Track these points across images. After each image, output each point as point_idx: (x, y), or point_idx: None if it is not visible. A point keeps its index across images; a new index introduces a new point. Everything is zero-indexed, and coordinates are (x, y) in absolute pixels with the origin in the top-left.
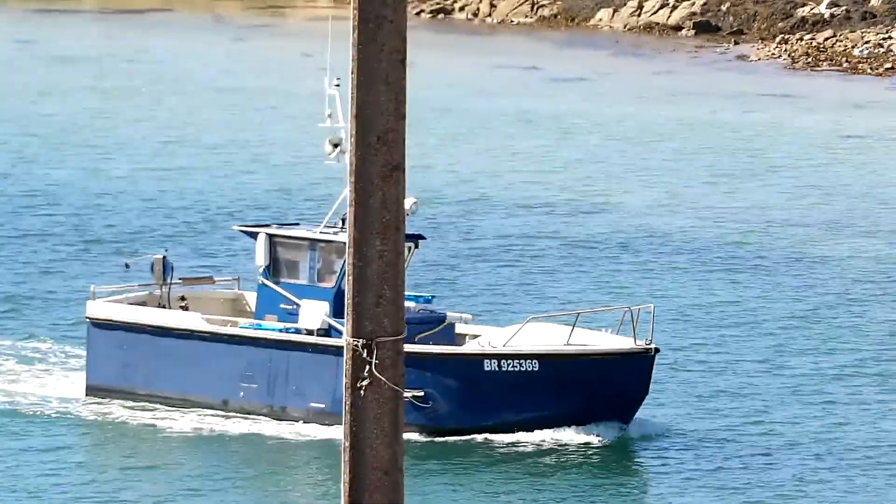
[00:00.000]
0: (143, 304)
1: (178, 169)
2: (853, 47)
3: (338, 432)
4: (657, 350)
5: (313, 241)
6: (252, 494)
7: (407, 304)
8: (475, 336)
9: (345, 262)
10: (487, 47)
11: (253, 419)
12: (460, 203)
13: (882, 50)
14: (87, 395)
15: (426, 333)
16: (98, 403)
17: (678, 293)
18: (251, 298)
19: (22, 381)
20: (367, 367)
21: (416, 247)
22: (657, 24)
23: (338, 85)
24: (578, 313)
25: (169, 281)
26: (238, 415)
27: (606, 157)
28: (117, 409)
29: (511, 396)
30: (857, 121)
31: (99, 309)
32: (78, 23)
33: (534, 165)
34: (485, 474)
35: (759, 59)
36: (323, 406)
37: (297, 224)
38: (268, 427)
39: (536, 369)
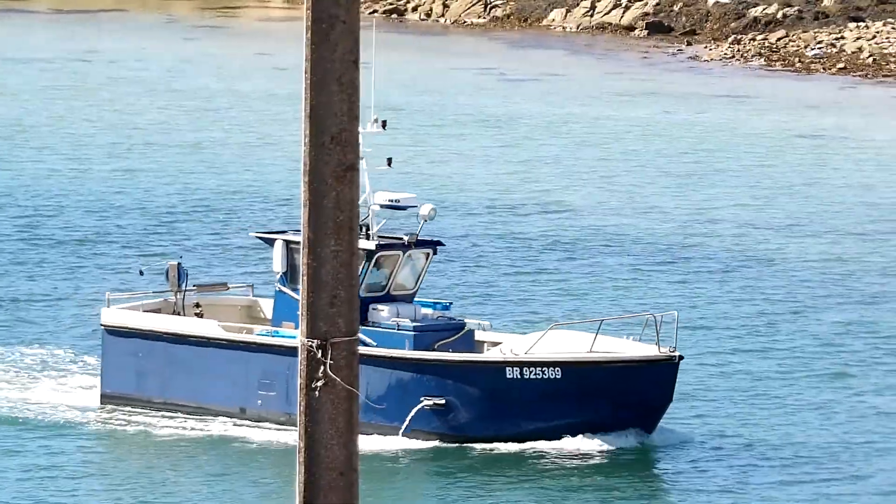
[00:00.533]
0: (157, 311)
1: (189, 173)
2: (806, 47)
3: (358, 441)
4: (681, 357)
5: None
6: (271, 503)
7: (425, 310)
8: (495, 343)
9: (365, 269)
10: (441, 48)
11: (271, 427)
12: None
13: (835, 50)
14: (101, 403)
15: (446, 341)
16: (113, 412)
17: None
18: (265, 305)
19: (36, 389)
20: (322, 367)
21: (435, 253)
22: (610, 24)
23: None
24: (602, 320)
25: (184, 288)
26: (256, 423)
27: (561, 158)
28: (132, 418)
29: (533, 404)
30: (811, 121)
31: (114, 316)
32: (30, 23)
33: (489, 167)
34: (506, 483)
35: (712, 60)
36: None
37: None
38: (286, 436)
39: (559, 377)
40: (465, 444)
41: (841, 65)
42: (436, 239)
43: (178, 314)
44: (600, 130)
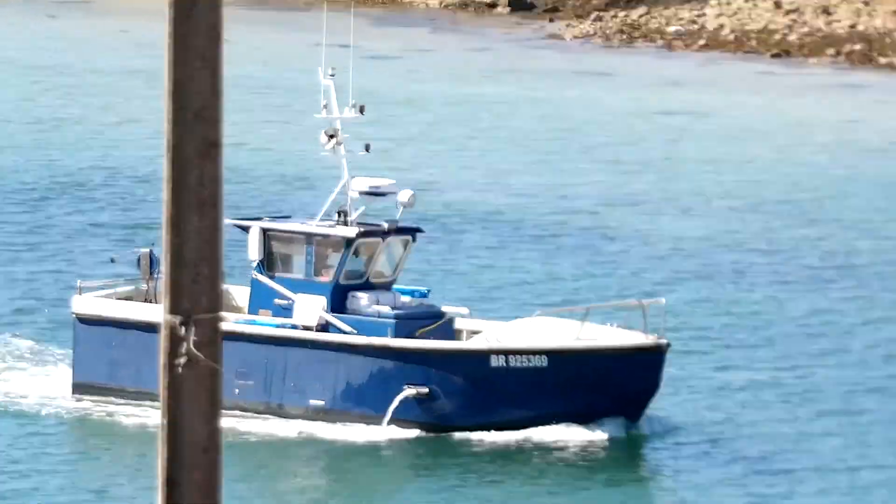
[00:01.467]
0: (128, 298)
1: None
2: (667, 24)
3: (341, 431)
4: (669, 345)
5: (310, 235)
6: (250, 496)
7: (403, 298)
8: (476, 331)
9: (344, 256)
10: (303, 24)
11: (248, 417)
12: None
13: (696, 27)
14: (73, 393)
15: (426, 329)
16: (84, 402)
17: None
18: (236, 293)
19: (4, 380)
20: (185, 344)
21: (414, 240)
22: (473, 1)
23: (332, 75)
24: (588, 308)
25: (155, 275)
26: (233, 413)
27: (427, 137)
28: (105, 408)
29: (519, 393)
30: (673, 98)
31: (86, 304)
32: None
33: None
34: (491, 473)
35: (574, 37)
36: (323, 403)
37: (290, 217)
38: (264, 425)
39: (545, 365)
40: (448, 434)
41: (703, 42)
42: (415, 226)
43: (150, 302)
44: (463, 108)
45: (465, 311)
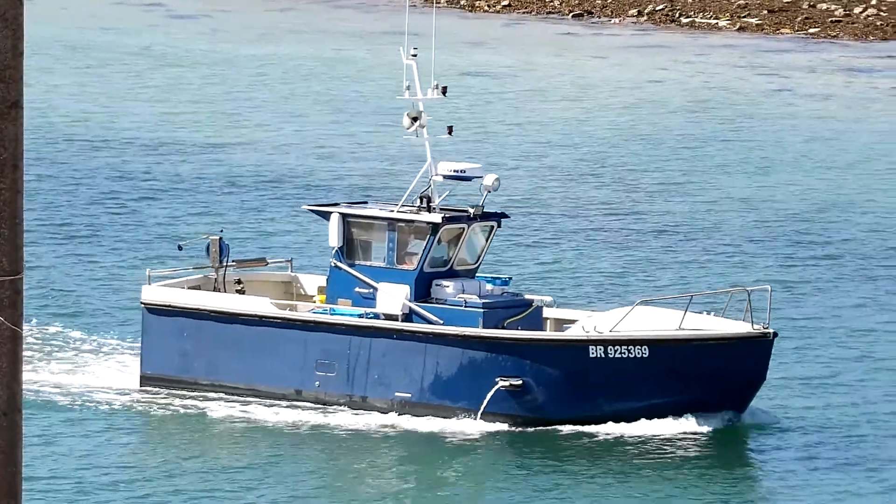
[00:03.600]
0: (197, 287)
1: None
2: None
3: (429, 424)
4: (776, 334)
5: (393, 221)
6: (330, 492)
7: (487, 286)
8: (563, 321)
9: (429, 243)
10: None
11: (330, 410)
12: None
13: None
14: (141, 385)
15: (514, 318)
16: (153, 394)
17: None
18: (305, 281)
19: (72, 373)
20: None
21: (499, 226)
22: None
23: (415, 55)
24: (692, 295)
25: (225, 263)
26: (314, 405)
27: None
28: (175, 401)
29: (618, 385)
30: (477, 58)
31: (155, 294)
32: None
33: (157, 106)
34: (588, 468)
35: None
36: (409, 396)
37: (366, 202)
38: (347, 419)
39: (646, 356)
40: (543, 428)
41: (505, 2)
42: (500, 211)
43: (219, 291)
44: (271, 69)
45: (549, 299)
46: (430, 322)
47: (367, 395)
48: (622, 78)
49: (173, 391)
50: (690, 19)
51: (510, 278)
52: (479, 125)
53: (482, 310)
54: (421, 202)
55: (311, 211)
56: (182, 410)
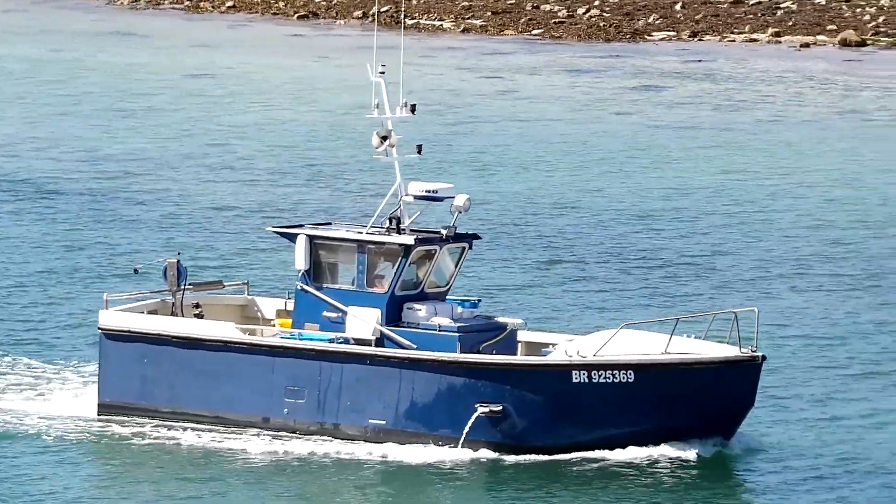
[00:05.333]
0: (154, 312)
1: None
2: None
3: (404, 452)
4: (764, 358)
5: (362, 243)
6: None
7: (458, 309)
8: (539, 345)
9: (400, 265)
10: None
11: (300, 438)
12: None
13: None
14: (99, 413)
15: (490, 342)
16: (112, 423)
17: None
18: (263, 304)
19: (27, 401)
20: None
21: (470, 247)
22: None
23: (382, 72)
24: (678, 318)
25: (183, 286)
26: (282, 433)
27: None
28: (135, 429)
29: (602, 411)
30: (204, 58)
31: (113, 319)
32: None
33: None
34: (573, 498)
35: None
36: (384, 423)
37: (330, 224)
38: (318, 447)
39: (632, 381)
40: (525, 455)
41: (230, 3)
42: (473, 232)
43: (176, 315)
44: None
45: (520, 322)
46: (402, 347)
47: (339, 422)
48: (348, 79)
49: (133, 419)
50: (415, 21)
51: (479, 300)
52: (191, 126)
53: (458, 333)
54: (390, 223)
55: (277, 233)
56: (142, 440)
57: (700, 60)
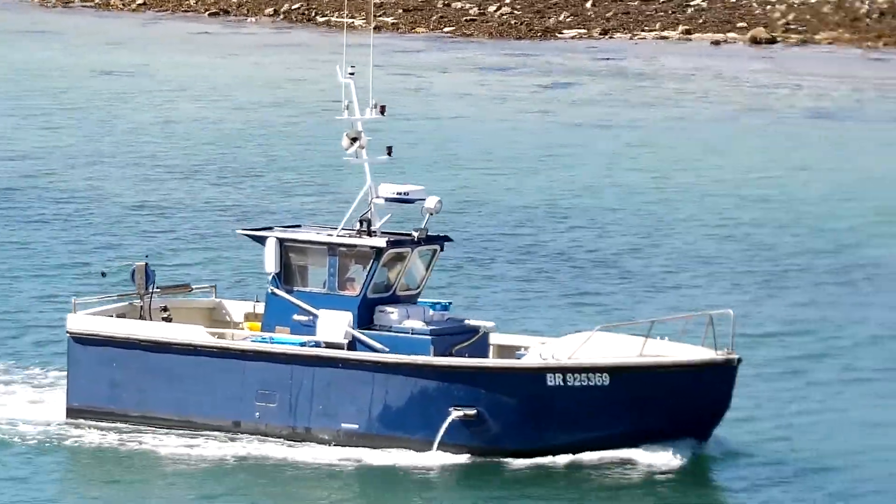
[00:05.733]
0: (122, 315)
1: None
2: None
3: (374, 456)
4: (740, 360)
5: (333, 246)
6: None
7: (430, 312)
8: (511, 348)
9: (372, 268)
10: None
11: (271, 442)
12: None
13: None
14: (67, 417)
15: (462, 345)
16: (81, 427)
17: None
18: (230, 307)
19: None
20: None
21: (442, 249)
22: None
23: (352, 73)
24: (653, 321)
25: (151, 290)
26: (253, 437)
27: None
28: (103, 434)
29: (577, 414)
30: (119, 58)
31: (82, 323)
32: None
33: None
34: (547, 502)
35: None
36: (356, 427)
37: (299, 226)
38: (289, 451)
39: (607, 384)
40: (497, 459)
41: (141, 0)
42: (444, 234)
43: (145, 318)
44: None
45: (490, 325)
46: (375, 350)
47: (310, 426)
48: (259, 76)
49: (102, 424)
50: (326, 18)
51: (450, 303)
52: (110, 123)
53: (429, 336)
54: (361, 226)
55: (247, 235)
56: (111, 444)
57: (610, 58)
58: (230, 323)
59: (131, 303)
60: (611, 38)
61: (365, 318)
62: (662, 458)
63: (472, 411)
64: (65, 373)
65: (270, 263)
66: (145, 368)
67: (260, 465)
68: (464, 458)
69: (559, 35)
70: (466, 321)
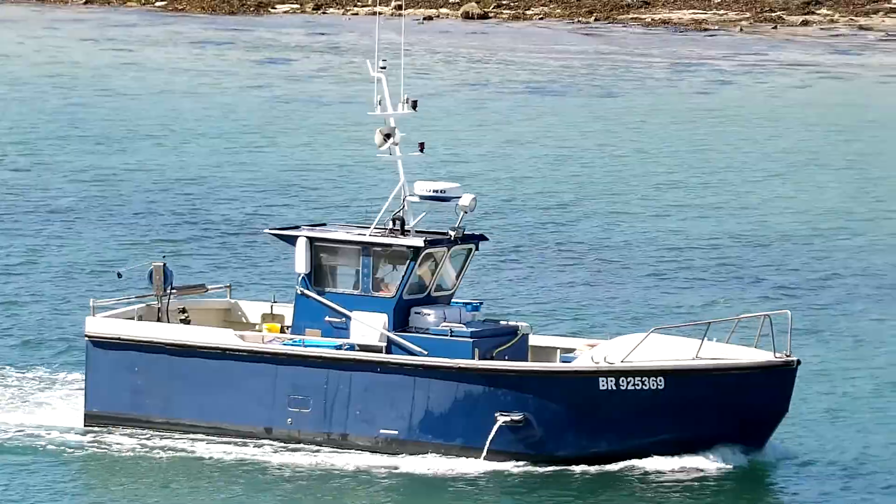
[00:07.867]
0: (140, 317)
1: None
2: None
3: (418, 463)
4: (799, 362)
5: (367, 246)
6: None
7: (466, 313)
8: (549, 349)
9: (409, 268)
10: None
11: (304, 449)
12: None
13: None
14: (86, 424)
15: (502, 347)
16: (100, 434)
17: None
18: (247, 308)
19: (10, 411)
20: None
21: (477, 248)
22: None
23: (383, 68)
24: (709, 322)
25: (169, 291)
26: (285, 444)
27: None
28: (125, 440)
29: (631, 419)
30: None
31: (101, 325)
32: None
33: None
34: None
35: None
36: (396, 433)
37: (325, 224)
38: (324, 458)
39: (662, 387)
40: (546, 466)
41: None
42: (480, 233)
43: (162, 320)
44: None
45: (526, 325)
46: (412, 353)
47: (347, 432)
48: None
49: (123, 430)
50: None
51: (481, 303)
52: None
53: (470, 339)
54: (394, 224)
55: (275, 235)
56: (133, 451)
57: (324, 34)
58: (246, 324)
59: (148, 304)
60: (324, 13)
61: (400, 320)
62: (718, 465)
63: (519, 417)
64: (82, 377)
65: (301, 264)
66: (170, 373)
67: (293, 473)
68: (508, 466)
69: (272, 10)
70: (502, 322)
